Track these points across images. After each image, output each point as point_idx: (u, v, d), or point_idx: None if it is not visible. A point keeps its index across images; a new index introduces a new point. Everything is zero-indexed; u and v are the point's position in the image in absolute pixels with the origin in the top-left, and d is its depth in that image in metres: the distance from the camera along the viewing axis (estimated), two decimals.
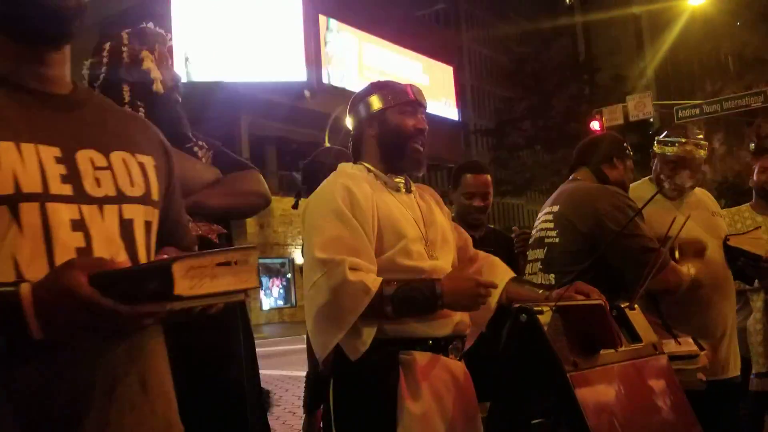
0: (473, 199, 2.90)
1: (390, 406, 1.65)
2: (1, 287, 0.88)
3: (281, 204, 21.50)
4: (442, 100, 30.78)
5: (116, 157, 1.07)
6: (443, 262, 1.84)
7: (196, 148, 2.02)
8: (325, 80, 24.61)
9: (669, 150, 2.69)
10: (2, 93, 1.00)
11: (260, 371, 2.33)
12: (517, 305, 1.55)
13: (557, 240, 2.39)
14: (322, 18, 25.15)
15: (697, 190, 2.79)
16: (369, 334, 1.67)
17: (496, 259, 2.02)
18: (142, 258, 1.06)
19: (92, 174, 1.02)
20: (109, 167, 1.05)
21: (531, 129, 28.55)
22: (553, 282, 2.37)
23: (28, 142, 0.97)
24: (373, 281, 1.65)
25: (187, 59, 21.05)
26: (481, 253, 2.05)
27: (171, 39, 2.00)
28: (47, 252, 0.94)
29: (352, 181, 1.79)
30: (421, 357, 1.70)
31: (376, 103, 1.89)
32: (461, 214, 2.94)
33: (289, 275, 23.60)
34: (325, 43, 25.34)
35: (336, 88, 23.67)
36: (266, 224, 21.65)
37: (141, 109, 1.87)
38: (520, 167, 29.34)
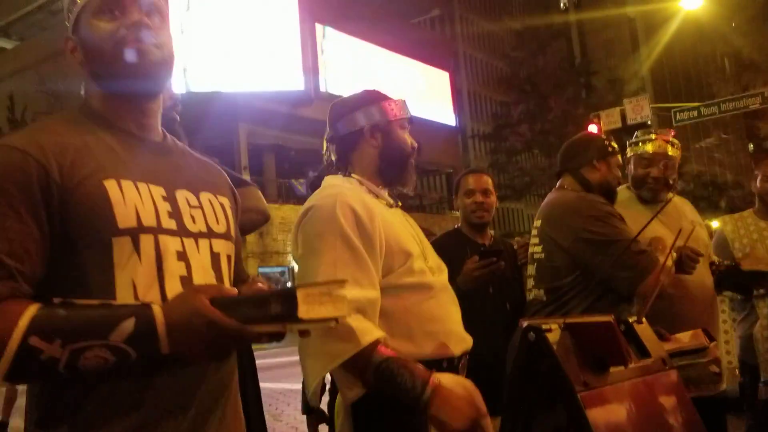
0: (474, 196, 2.89)
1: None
2: (136, 308, 0.99)
3: (280, 212, 21.51)
4: (438, 106, 30.84)
5: (204, 197, 1.22)
6: (443, 278, 1.76)
7: None
8: (322, 88, 24.65)
9: (640, 149, 2.70)
10: (117, 139, 1.15)
11: (260, 384, 2.30)
12: (525, 323, 1.51)
13: (543, 255, 2.39)
14: (318, 26, 25.22)
15: (677, 199, 2.78)
16: (361, 389, 1.54)
17: None
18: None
19: (189, 212, 1.16)
20: (200, 206, 1.19)
21: (528, 133, 28.57)
22: (545, 298, 2.36)
23: (142, 182, 1.11)
24: (367, 334, 1.48)
25: (185, 70, 21.09)
26: None
27: None
28: (159, 278, 1.07)
29: (353, 197, 1.65)
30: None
31: (381, 113, 1.77)
32: (465, 216, 2.93)
33: (288, 284, 23.48)
34: (322, 51, 25.40)
35: (333, 95, 23.70)
36: (265, 232, 21.63)
37: None
38: (519, 171, 29.37)
